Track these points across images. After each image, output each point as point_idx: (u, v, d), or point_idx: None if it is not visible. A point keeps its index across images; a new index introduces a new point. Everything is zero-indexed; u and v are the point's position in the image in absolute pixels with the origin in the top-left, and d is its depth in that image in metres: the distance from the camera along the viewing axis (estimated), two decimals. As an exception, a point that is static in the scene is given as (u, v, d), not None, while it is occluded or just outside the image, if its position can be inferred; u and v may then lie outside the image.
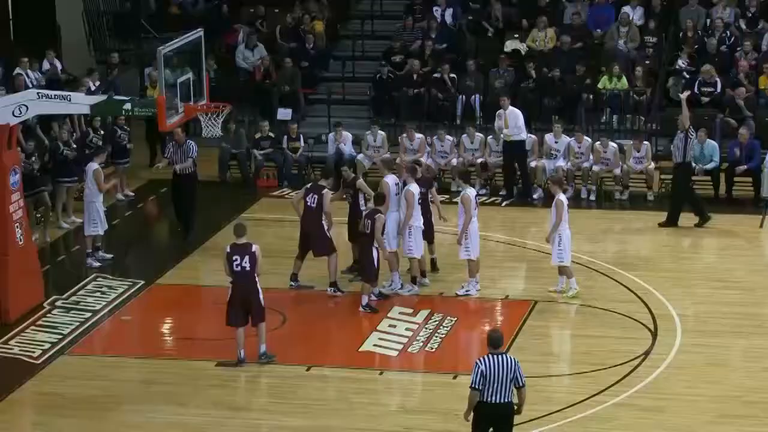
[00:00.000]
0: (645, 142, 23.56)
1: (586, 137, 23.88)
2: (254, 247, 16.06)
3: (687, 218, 21.85)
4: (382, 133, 24.54)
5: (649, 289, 18.82)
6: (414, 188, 18.35)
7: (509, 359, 12.58)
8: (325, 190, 18.52)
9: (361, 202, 19.02)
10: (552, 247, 18.38)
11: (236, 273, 16.02)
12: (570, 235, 18.34)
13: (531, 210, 23.11)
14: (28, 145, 21.05)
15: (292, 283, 18.82)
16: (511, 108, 23.52)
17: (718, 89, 24.91)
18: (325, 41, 28.04)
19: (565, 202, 18.40)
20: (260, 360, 16.28)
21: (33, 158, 21.04)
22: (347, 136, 24.46)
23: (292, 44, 27.67)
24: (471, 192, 18.51)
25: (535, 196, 23.54)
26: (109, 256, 20.19)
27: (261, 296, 16.18)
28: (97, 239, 20.13)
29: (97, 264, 19.96)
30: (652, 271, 19.78)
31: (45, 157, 21.61)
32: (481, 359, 12.57)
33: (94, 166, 19.89)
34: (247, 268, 15.94)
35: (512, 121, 23.36)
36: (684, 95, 21.92)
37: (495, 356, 12.56)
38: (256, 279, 16.08)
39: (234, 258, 15.99)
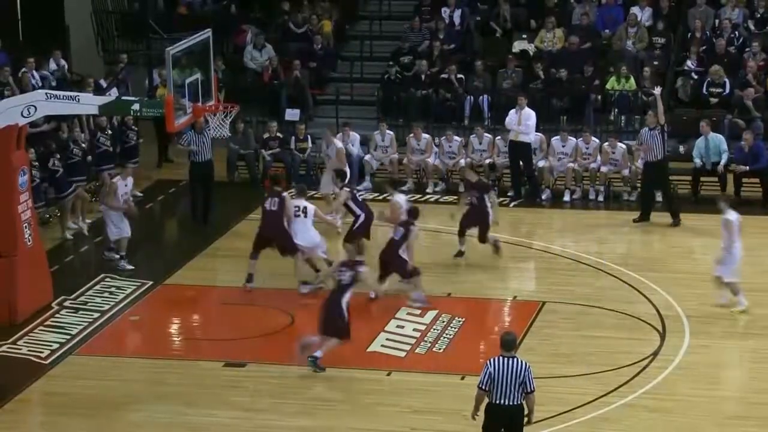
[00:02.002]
0: None
1: (594, 138, 23.87)
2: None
3: (689, 219, 21.83)
4: (390, 132, 24.54)
5: (657, 290, 18.81)
6: (399, 198, 18.68)
7: (519, 362, 12.55)
8: (285, 194, 18.96)
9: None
10: (722, 263, 18.08)
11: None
12: (740, 252, 18.17)
13: (539, 211, 23.10)
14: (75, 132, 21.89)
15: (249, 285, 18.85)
16: (526, 108, 23.48)
17: (727, 90, 24.89)
18: (333, 42, 28.05)
19: (735, 220, 18.18)
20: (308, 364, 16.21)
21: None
22: (355, 136, 24.46)
23: (300, 44, 27.71)
24: (401, 198, 18.50)
25: (543, 197, 23.52)
26: (130, 267, 19.97)
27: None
28: (124, 243, 19.93)
29: (130, 267, 19.83)
30: (660, 271, 19.76)
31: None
32: (491, 360, 12.57)
33: (123, 187, 19.92)
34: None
35: (524, 119, 23.34)
36: (658, 90, 21.96)
37: (505, 359, 12.55)
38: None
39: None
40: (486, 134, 24.33)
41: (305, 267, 18.79)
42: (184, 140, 22.17)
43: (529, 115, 23.41)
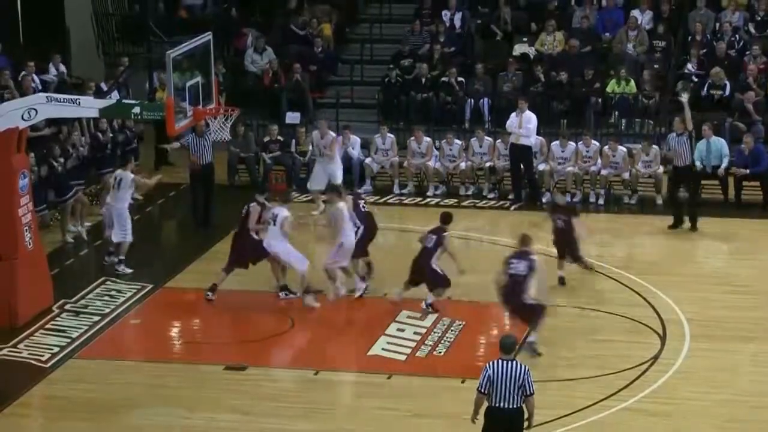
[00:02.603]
0: (654, 146, 23.54)
1: (594, 141, 23.86)
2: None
3: (710, 223, 21.89)
4: (391, 136, 24.54)
5: (658, 294, 18.80)
6: (343, 206, 18.24)
7: (519, 366, 12.54)
8: (253, 204, 18.70)
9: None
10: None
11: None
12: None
13: (539, 214, 23.04)
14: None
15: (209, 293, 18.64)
16: (527, 111, 23.48)
17: (727, 92, 24.90)
18: (333, 45, 28.06)
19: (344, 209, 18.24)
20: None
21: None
22: (356, 140, 24.47)
23: (300, 48, 27.73)
24: (343, 206, 18.28)
25: (544, 200, 23.53)
26: (129, 271, 19.92)
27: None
28: (125, 247, 19.89)
29: (129, 270, 19.76)
30: (660, 275, 19.75)
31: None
32: (490, 363, 12.56)
33: (129, 175, 19.79)
34: None
35: (525, 122, 23.35)
36: (685, 97, 21.92)
37: (504, 362, 12.54)
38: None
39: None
40: (486, 137, 24.32)
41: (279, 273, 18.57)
42: (185, 140, 22.24)
43: (530, 118, 23.42)
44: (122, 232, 19.76)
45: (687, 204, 21.90)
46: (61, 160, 21.38)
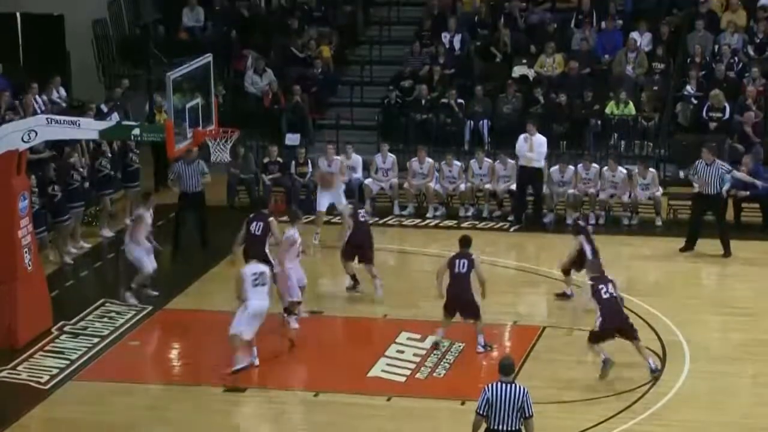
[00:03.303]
0: (651, 170, 23.52)
1: (593, 164, 23.85)
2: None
3: (699, 244, 21.89)
4: (392, 156, 24.47)
5: (658, 316, 18.79)
6: (292, 233, 17.89)
7: (518, 388, 12.51)
8: (271, 218, 18.75)
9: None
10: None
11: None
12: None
13: (540, 236, 23.08)
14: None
15: None
16: (537, 134, 23.46)
17: (727, 115, 24.93)
18: (333, 66, 28.11)
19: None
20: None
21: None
22: (357, 159, 24.41)
23: (300, 69, 27.78)
24: (293, 233, 17.92)
25: (546, 221, 23.49)
26: (155, 293, 19.64)
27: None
28: (147, 278, 19.47)
29: (133, 301, 19.35)
30: (660, 297, 19.74)
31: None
32: (489, 386, 12.53)
33: (146, 213, 19.36)
34: None
35: (537, 146, 23.29)
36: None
37: (503, 384, 12.51)
38: None
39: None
40: (486, 159, 24.31)
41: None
42: (173, 174, 22.10)
43: (542, 143, 23.31)
44: (150, 263, 19.35)
45: (718, 230, 21.70)
46: (56, 182, 21.33)
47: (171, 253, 21.60)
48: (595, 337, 16.63)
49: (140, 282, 19.50)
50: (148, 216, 19.50)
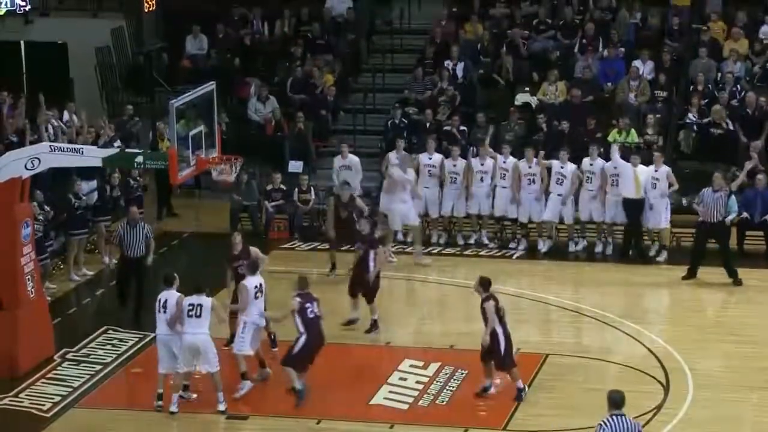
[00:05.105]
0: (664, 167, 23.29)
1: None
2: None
3: (702, 272, 21.88)
4: (405, 153, 24.24)
5: (661, 343, 18.76)
6: (248, 282, 17.10)
7: (631, 422, 12.26)
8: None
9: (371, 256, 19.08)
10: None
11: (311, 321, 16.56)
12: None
13: (539, 263, 23.05)
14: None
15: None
16: (640, 166, 23.12)
17: (730, 127, 24.95)
18: (336, 93, 28.15)
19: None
20: None
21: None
22: (354, 159, 24.14)
23: (303, 96, 27.83)
24: (250, 282, 17.17)
25: (541, 248, 23.40)
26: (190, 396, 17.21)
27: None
28: (186, 376, 16.97)
29: (186, 396, 16.91)
30: (664, 324, 19.73)
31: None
32: (606, 421, 12.20)
33: (175, 295, 16.78)
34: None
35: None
36: (754, 159, 22.60)
37: (618, 417, 12.25)
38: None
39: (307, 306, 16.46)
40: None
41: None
42: (114, 237, 20.82)
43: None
44: (212, 361, 16.70)
45: (722, 259, 21.64)
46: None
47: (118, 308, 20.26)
48: (294, 361, 16.50)
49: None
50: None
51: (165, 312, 16.56)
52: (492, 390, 16.75)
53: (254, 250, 18.34)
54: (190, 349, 16.44)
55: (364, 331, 19.10)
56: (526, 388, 16.71)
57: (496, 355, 16.58)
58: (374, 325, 19.21)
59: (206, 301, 16.50)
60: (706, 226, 21.68)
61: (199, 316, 16.38)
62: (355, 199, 22.09)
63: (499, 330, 16.54)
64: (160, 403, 16.54)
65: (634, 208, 22.84)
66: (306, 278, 17.11)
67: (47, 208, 21.29)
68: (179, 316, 16.38)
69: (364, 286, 19.20)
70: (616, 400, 12.36)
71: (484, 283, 16.71)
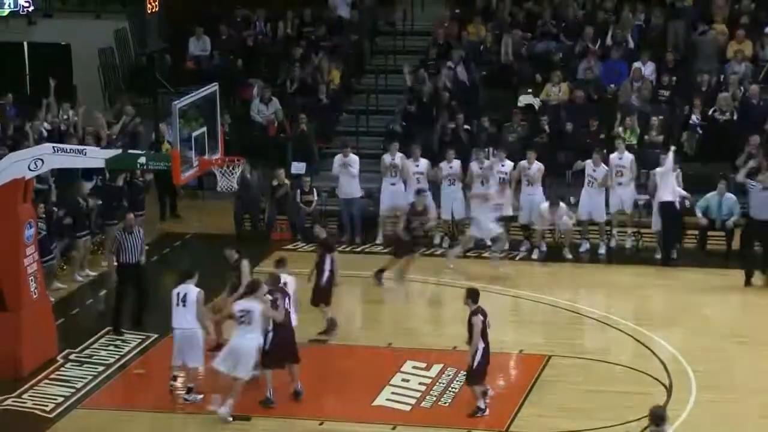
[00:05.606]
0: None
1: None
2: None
3: (696, 273, 21.81)
4: (400, 155, 24.29)
5: (664, 344, 18.75)
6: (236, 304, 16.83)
7: None
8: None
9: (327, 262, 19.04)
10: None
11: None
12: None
13: (544, 264, 23.05)
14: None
15: None
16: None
17: (735, 116, 24.98)
18: (339, 93, 28.15)
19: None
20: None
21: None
22: (355, 159, 24.32)
23: (306, 98, 27.84)
24: (238, 304, 16.78)
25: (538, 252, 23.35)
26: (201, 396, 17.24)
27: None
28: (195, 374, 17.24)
29: (191, 399, 17.05)
30: (666, 326, 19.71)
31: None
32: None
33: (194, 290, 17.09)
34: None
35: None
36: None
37: None
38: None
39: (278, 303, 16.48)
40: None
41: None
42: (113, 245, 20.47)
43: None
44: (197, 357, 17.17)
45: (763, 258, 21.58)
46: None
47: (112, 331, 19.63)
48: (269, 359, 16.52)
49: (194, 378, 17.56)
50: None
51: (184, 305, 16.80)
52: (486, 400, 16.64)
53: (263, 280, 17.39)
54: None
55: (317, 333, 18.98)
56: (487, 411, 16.36)
57: (469, 367, 16.40)
58: (332, 326, 19.13)
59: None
60: (754, 226, 21.47)
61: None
62: (427, 208, 22.07)
63: (480, 346, 16.35)
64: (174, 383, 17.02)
65: (671, 211, 22.67)
66: (278, 276, 17.04)
67: (56, 209, 21.43)
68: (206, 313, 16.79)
69: (319, 290, 19.06)
70: (656, 417, 12.34)
71: (473, 295, 16.55)
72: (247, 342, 16.36)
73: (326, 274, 19.04)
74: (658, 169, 22.71)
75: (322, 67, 28.17)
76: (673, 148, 23.18)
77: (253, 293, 16.57)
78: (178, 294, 16.99)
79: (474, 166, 23.70)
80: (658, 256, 22.84)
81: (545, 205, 22.90)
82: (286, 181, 24.82)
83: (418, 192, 22.58)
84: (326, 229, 20.54)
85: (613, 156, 23.42)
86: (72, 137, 23.97)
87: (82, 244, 22.01)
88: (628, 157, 23.34)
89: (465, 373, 16.63)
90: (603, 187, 23.30)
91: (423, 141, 25.52)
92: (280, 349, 16.62)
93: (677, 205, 22.48)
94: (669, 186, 22.44)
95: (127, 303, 19.84)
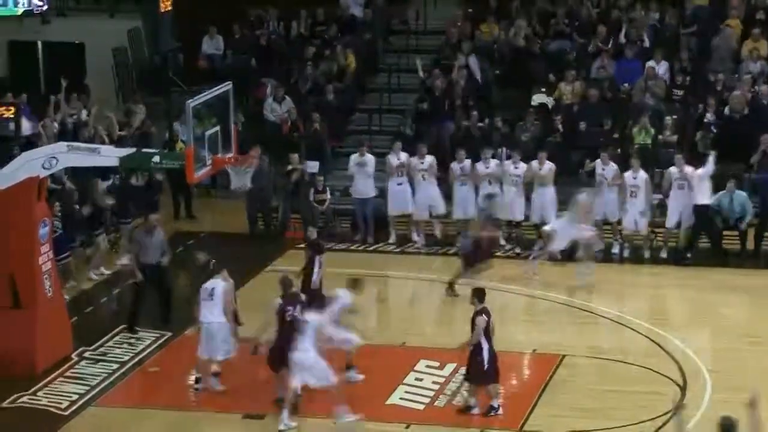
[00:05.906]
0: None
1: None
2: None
3: (711, 273, 21.77)
4: (405, 154, 24.35)
5: (678, 345, 18.72)
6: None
7: None
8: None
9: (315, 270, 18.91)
10: None
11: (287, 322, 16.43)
12: None
13: (558, 265, 22.99)
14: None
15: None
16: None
17: (746, 112, 24.95)
18: (352, 94, 28.16)
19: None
20: None
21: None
22: (370, 159, 24.33)
23: (319, 97, 27.86)
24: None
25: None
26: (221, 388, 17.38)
27: None
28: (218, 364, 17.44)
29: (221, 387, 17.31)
30: (680, 326, 19.69)
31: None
32: None
33: (221, 284, 17.33)
34: None
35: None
36: None
37: None
38: None
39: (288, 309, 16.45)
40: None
41: None
42: (134, 246, 20.22)
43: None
44: (226, 347, 17.30)
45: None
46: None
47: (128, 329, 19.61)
48: (270, 361, 16.51)
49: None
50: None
51: (212, 299, 17.03)
52: (476, 410, 16.54)
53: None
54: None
55: None
56: (500, 410, 16.36)
57: (479, 368, 16.32)
58: None
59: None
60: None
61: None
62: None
63: (485, 346, 16.34)
64: (197, 386, 17.22)
65: (706, 214, 22.61)
66: (291, 280, 16.99)
67: (77, 207, 21.55)
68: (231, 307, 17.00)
69: (309, 292, 18.76)
70: (726, 428, 12.20)
71: (479, 295, 16.51)
72: (305, 354, 16.13)
73: (316, 275, 18.99)
74: (699, 171, 22.62)
75: (338, 54, 28.15)
76: (713, 152, 23.11)
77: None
78: (206, 288, 17.17)
79: (480, 166, 23.72)
80: (664, 255, 22.81)
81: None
82: (300, 165, 24.77)
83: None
84: (339, 227, 20.44)
85: (627, 174, 23.12)
86: (84, 129, 24.01)
87: (101, 241, 22.05)
88: (643, 176, 23.04)
89: (465, 373, 16.61)
90: (614, 185, 23.21)
91: (435, 140, 25.56)
92: (277, 353, 16.55)
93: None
94: (705, 189, 22.43)
95: (145, 303, 19.77)
